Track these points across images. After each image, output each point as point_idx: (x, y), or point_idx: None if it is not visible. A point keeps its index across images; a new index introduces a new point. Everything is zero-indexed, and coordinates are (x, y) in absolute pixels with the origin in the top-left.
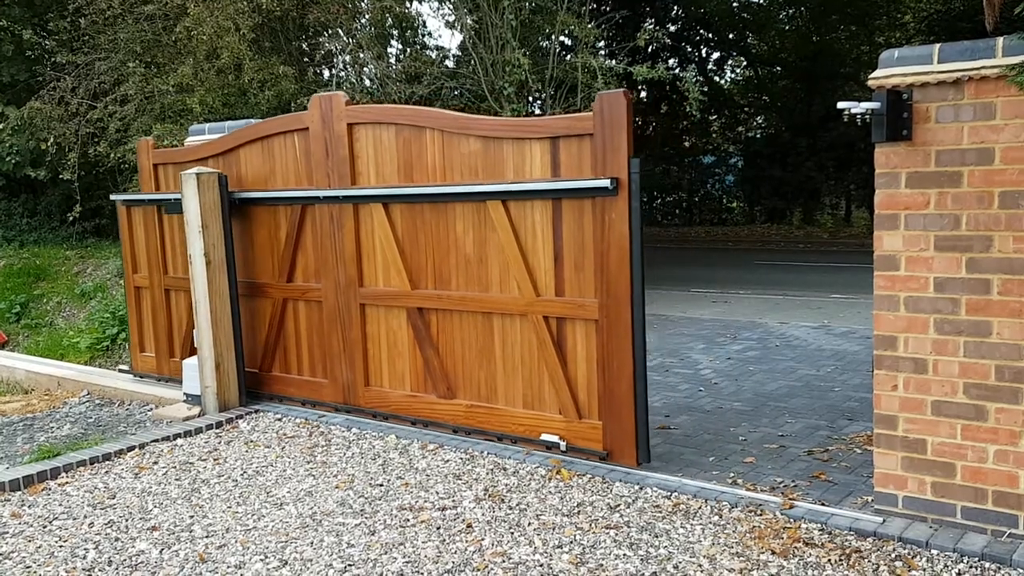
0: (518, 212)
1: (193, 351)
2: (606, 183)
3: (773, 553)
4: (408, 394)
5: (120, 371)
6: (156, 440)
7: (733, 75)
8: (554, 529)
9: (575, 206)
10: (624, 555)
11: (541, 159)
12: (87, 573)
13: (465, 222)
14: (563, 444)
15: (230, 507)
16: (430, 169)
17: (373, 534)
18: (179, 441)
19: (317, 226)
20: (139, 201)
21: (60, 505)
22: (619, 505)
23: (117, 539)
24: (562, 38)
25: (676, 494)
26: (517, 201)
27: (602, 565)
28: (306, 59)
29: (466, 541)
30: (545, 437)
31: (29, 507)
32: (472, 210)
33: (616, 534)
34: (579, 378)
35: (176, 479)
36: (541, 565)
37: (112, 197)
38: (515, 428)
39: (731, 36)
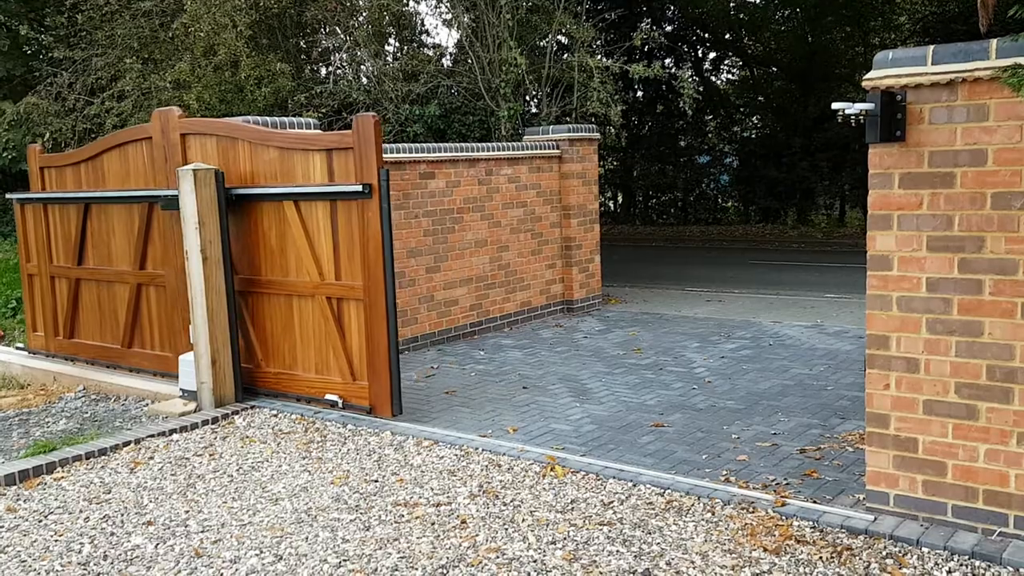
0: (307, 211)
1: (73, 332)
2: (362, 188)
3: (765, 550)
4: None
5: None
6: (152, 435)
7: (729, 75)
8: (548, 525)
9: (346, 206)
10: (617, 551)
11: (321, 167)
12: (82, 567)
13: (269, 219)
14: (341, 402)
15: (225, 502)
16: (243, 174)
17: (368, 529)
18: (175, 436)
19: (161, 221)
20: (30, 199)
21: (55, 499)
22: (612, 502)
23: (112, 533)
24: (559, 37)
25: (669, 491)
26: (305, 201)
27: (595, 561)
28: (303, 56)
29: (460, 537)
30: (328, 397)
31: (24, 501)
32: (274, 208)
33: (609, 531)
34: (353, 347)
35: (172, 474)
36: (535, 561)
37: (8, 196)
38: (308, 390)
39: (727, 36)
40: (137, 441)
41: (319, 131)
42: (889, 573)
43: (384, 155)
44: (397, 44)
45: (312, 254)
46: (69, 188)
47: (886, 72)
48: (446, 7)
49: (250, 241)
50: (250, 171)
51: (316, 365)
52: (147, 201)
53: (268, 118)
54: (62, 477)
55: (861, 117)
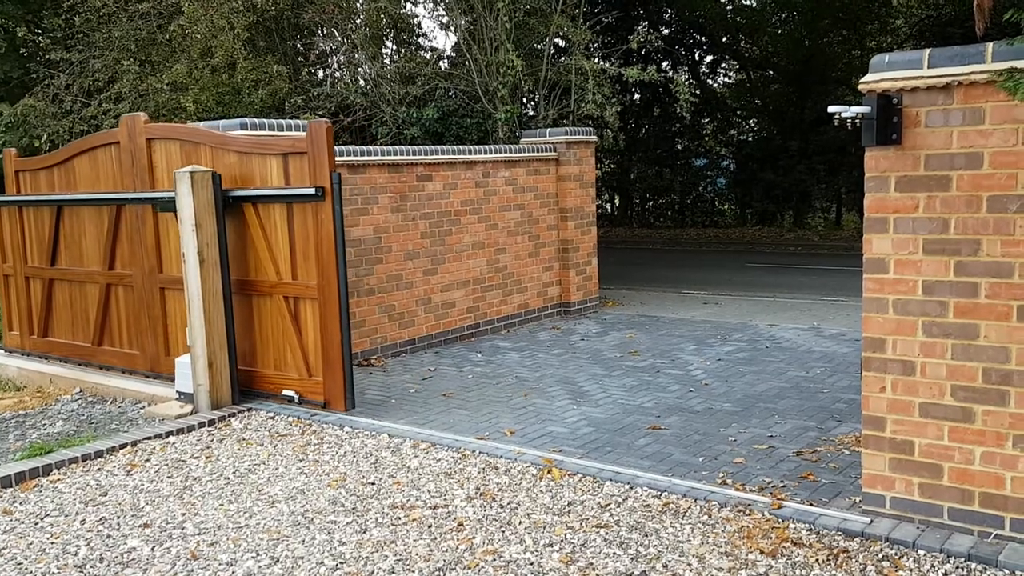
0: (264, 213)
1: (47, 330)
2: (315, 191)
3: (761, 553)
4: None
5: None
6: (148, 438)
7: (726, 78)
8: (545, 528)
9: (301, 208)
10: (614, 554)
11: (278, 170)
12: (79, 570)
13: (228, 220)
14: (297, 397)
15: (222, 505)
16: None
17: (365, 532)
18: (171, 439)
19: (128, 223)
20: (5, 202)
21: (52, 502)
22: (609, 504)
23: (109, 536)
24: (556, 40)
25: (666, 494)
26: (263, 204)
27: (592, 564)
28: (300, 59)
29: (457, 539)
30: (286, 392)
31: (21, 504)
32: (234, 210)
33: (606, 533)
34: (309, 344)
35: (168, 477)
36: (532, 563)
37: None
38: (268, 387)
39: (724, 39)
40: (134, 443)
41: (276, 135)
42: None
43: (381, 157)
44: (394, 47)
45: (270, 255)
46: (43, 191)
47: (882, 75)
48: (443, 10)
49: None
50: None
51: (275, 362)
52: (116, 203)
53: (264, 120)
54: (58, 479)
55: (857, 120)
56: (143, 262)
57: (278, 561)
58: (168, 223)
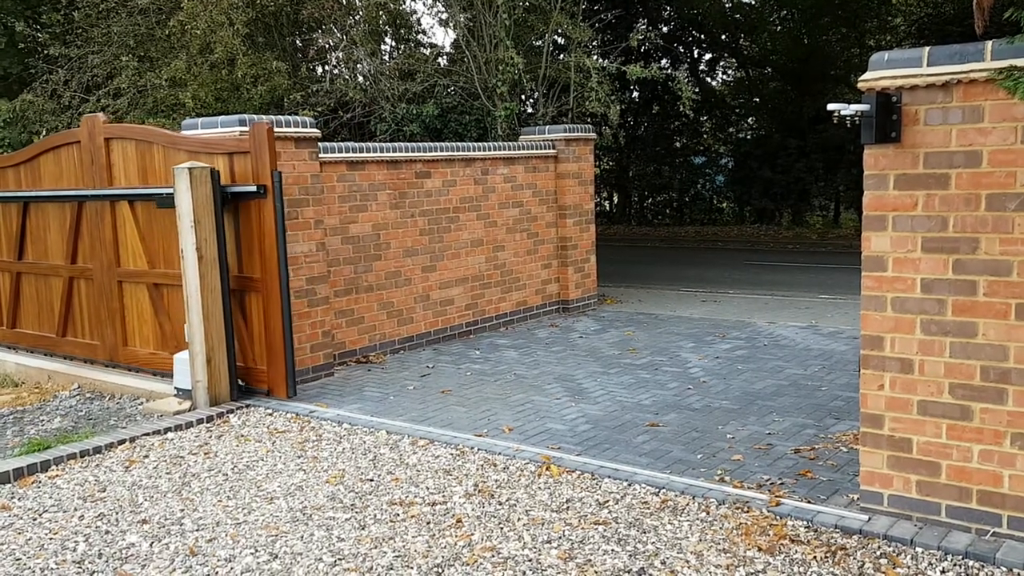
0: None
1: (15, 322)
2: (257, 188)
3: (759, 550)
4: (151, 352)
5: None
6: (147, 434)
7: (724, 76)
8: (543, 524)
9: (246, 205)
10: (612, 551)
11: (224, 169)
12: (77, 565)
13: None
14: (243, 385)
15: (220, 501)
16: (159, 175)
17: (363, 528)
18: (170, 435)
19: (89, 219)
20: None
21: (50, 498)
22: (608, 501)
23: (107, 532)
24: (556, 37)
25: (664, 491)
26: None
27: (590, 560)
28: (299, 55)
29: (456, 536)
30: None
31: (19, 500)
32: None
33: (605, 530)
34: (255, 335)
35: (167, 473)
36: (530, 560)
37: None
38: None
39: (723, 37)
40: (132, 439)
41: (223, 135)
42: (883, 573)
43: (380, 154)
44: (393, 43)
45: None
46: (11, 188)
47: (882, 73)
48: (442, 6)
49: (164, 236)
50: (164, 172)
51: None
52: (77, 200)
53: (263, 116)
54: (57, 475)
55: (857, 118)
56: (102, 256)
57: (276, 557)
58: (125, 219)
